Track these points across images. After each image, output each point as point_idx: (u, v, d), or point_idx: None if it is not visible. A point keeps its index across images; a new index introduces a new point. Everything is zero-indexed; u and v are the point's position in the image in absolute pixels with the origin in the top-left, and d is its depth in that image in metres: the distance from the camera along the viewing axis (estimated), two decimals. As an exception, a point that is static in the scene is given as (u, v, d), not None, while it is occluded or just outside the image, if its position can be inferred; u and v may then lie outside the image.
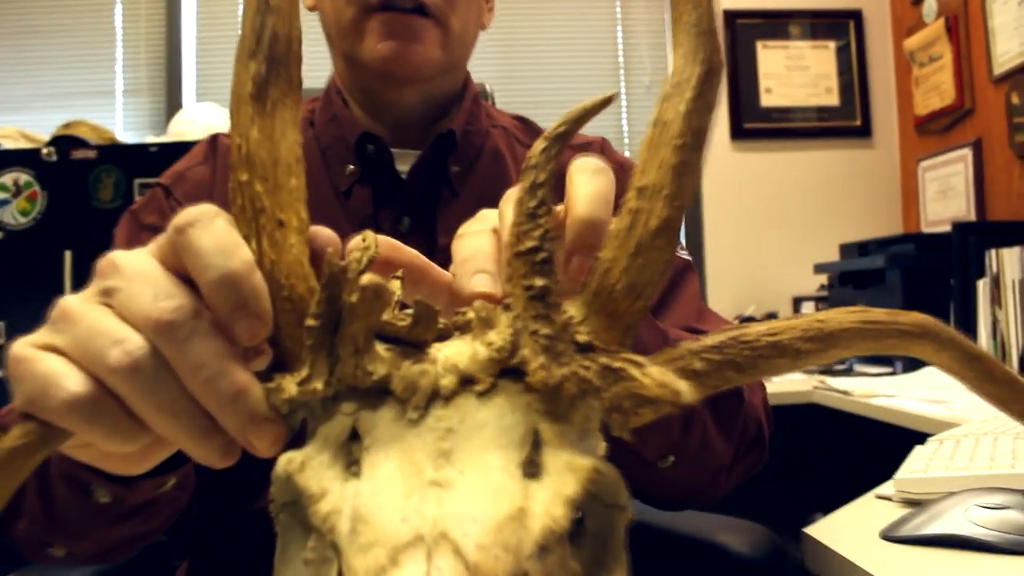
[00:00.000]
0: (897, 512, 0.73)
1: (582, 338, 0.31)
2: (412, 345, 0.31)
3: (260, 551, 0.35)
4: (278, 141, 0.33)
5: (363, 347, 0.29)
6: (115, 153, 1.91)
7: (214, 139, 0.86)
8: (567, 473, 0.28)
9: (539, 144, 0.32)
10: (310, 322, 0.30)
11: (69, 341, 0.31)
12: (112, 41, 2.64)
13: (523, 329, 0.29)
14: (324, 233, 0.34)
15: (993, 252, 1.87)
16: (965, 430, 1.02)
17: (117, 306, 0.31)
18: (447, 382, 0.29)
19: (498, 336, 0.30)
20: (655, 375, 0.28)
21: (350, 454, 0.29)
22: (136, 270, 0.31)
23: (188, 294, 0.31)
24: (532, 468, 0.29)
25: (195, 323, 0.30)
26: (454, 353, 0.30)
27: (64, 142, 1.97)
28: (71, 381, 0.30)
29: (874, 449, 1.80)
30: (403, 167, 0.81)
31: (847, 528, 0.74)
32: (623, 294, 0.31)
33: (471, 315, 0.31)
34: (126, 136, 2.55)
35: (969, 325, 1.91)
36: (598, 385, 0.29)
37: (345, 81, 0.85)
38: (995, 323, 1.86)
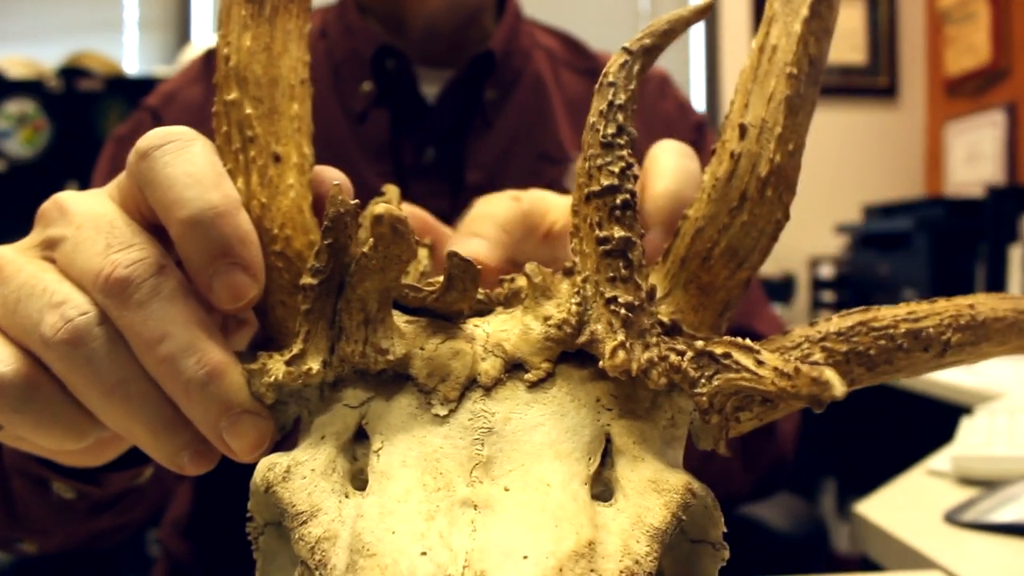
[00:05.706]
0: (954, 491, 0.68)
1: (665, 318, 0.23)
2: (441, 317, 0.23)
3: None
4: (278, 55, 0.26)
5: (376, 316, 0.22)
6: (122, 85, 1.88)
7: (211, 54, 0.72)
8: (651, 494, 0.20)
9: (617, 58, 0.24)
10: (307, 279, 0.22)
11: None
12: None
13: (594, 296, 0.21)
14: (331, 174, 0.26)
15: (1028, 218, 1.80)
16: (1012, 402, 0.96)
17: (61, 260, 0.24)
18: (488, 367, 0.22)
19: (559, 308, 0.22)
20: (775, 363, 0.20)
21: (354, 459, 0.22)
22: (88, 214, 0.24)
23: (152, 245, 0.24)
24: (602, 486, 0.21)
25: (157, 281, 0.23)
26: (498, 330, 0.23)
27: (70, 73, 1.92)
28: None
29: (892, 415, 1.75)
30: (429, 89, 0.69)
31: (902, 507, 0.68)
32: (721, 260, 0.24)
33: (521, 282, 0.24)
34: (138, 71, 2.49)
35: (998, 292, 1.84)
36: (695, 376, 0.21)
37: None
38: (1026, 292, 1.79)
